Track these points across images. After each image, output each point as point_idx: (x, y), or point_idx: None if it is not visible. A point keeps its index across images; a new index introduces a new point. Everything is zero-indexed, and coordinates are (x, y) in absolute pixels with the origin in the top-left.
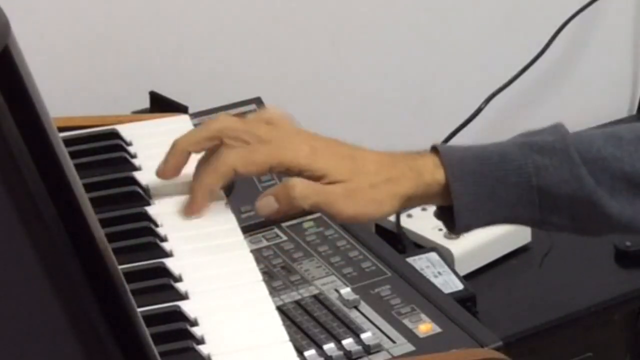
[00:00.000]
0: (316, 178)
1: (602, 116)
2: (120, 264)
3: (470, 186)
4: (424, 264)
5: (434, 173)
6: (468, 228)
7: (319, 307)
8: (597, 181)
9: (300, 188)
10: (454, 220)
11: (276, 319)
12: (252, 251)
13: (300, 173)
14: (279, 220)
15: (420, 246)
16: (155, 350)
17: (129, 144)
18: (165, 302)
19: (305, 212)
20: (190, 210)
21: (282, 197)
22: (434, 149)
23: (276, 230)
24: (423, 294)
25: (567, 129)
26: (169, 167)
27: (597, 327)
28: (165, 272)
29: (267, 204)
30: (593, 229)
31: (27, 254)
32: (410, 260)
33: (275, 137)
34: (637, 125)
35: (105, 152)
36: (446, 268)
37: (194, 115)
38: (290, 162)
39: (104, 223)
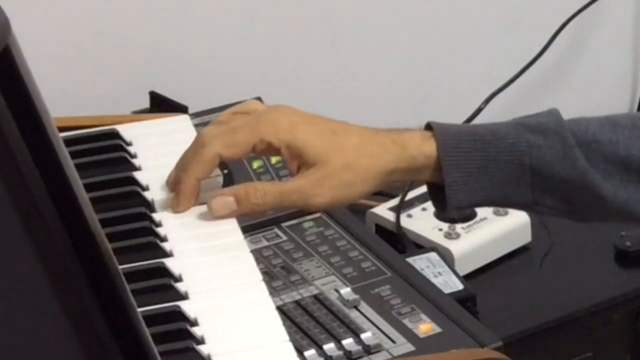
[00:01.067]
0: (293, 155)
1: None
2: (120, 264)
3: (462, 161)
4: (424, 264)
5: (420, 146)
6: (459, 206)
7: (319, 307)
8: (591, 164)
9: (262, 192)
10: (445, 197)
11: (276, 319)
12: (252, 251)
13: (280, 148)
14: (279, 219)
15: (420, 246)
16: (155, 350)
17: (129, 144)
18: (165, 302)
19: (304, 212)
20: (179, 204)
21: (242, 199)
22: (427, 127)
23: (276, 230)
24: (423, 294)
25: (561, 114)
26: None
27: (597, 327)
28: (165, 272)
29: (224, 204)
30: (586, 212)
31: (27, 254)
32: (410, 260)
33: (253, 119)
34: (633, 113)
35: (105, 152)
36: (446, 268)
37: (194, 115)
38: (271, 136)
39: (104, 223)
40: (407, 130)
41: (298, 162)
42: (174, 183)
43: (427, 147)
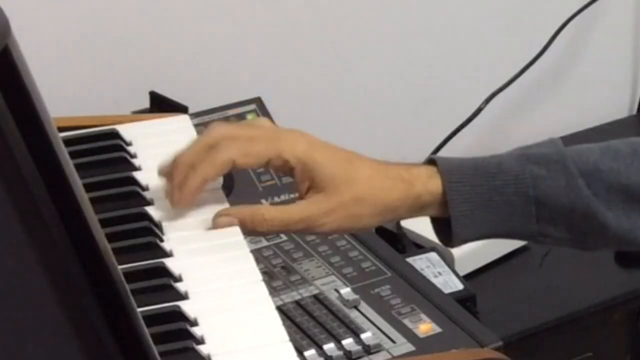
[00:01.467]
0: (306, 177)
1: (602, 116)
2: (120, 264)
3: (467, 195)
4: (424, 264)
5: (426, 184)
6: (465, 239)
7: (319, 307)
8: (594, 193)
9: (269, 221)
10: (451, 231)
11: (276, 319)
12: (252, 251)
13: (295, 168)
14: None
15: (420, 246)
16: (155, 350)
17: (129, 144)
18: (165, 302)
19: None
20: (180, 199)
21: (247, 225)
22: (431, 161)
23: None
24: (423, 294)
25: (562, 143)
26: (175, 186)
27: (597, 327)
28: (165, 272)
29: (228, 224)
30: (590, 241)
31: (27, 254)
32: (410, 260)
33: (271, 133)
34: (633, 139)
35: (105, 152)
36: (446, 268)
37: (194, 115)
38: (288, 154)
39: (104, 223)
40: (414, 166)
41: (309, 183)
42: (179, 181)
43: (432, 185)
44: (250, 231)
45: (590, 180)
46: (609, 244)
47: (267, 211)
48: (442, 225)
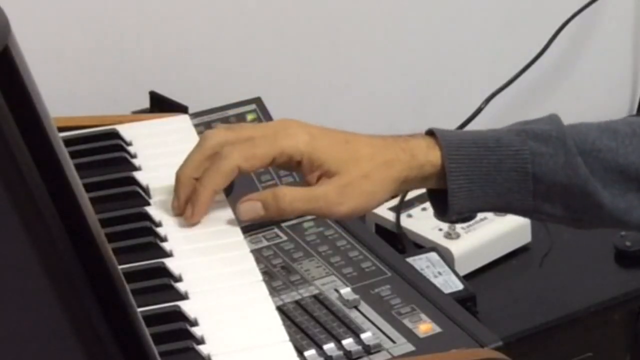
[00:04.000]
0: (313, 167)
1: (602, 116)
2: (120, 264)
3: (465, 168)
4: (424, 264)
5: (427, 154)
6: (460, 211)
7: (319, 307)
8: (591, 172)
9: (290, 199)
10: (447, 203)
11: (276, 319)
12: (252, 251)
13: (301, 161)
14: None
15: (420, 246)
16: (155, 350)
17: (129, 144)
18: (165, 302)
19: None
20: (194, 214)
21: (270, 205)
22: (430, 133)
23: (276, 230)
24: (423, 294)
25: (562, 120)
26: (183, 202)
27: (597, 327)
28: (165, 272)
29: (251, 209)
30: (585, 219)
31: (27, 254)
32: (410, 260)
33: (270, 131)
34: (633, 119)
35: (105, 152)
36: (446, 268)
37: (194, 115)
38: (292, 150)
39: (104, 223)
40: (412, 137)
41: (319, 172)
42: (186, 193)
43: (433, 155)
44: (274, 212)
45: (588, 159)
46: (604, 223)
47: (287, 190)
48: (437, 197)
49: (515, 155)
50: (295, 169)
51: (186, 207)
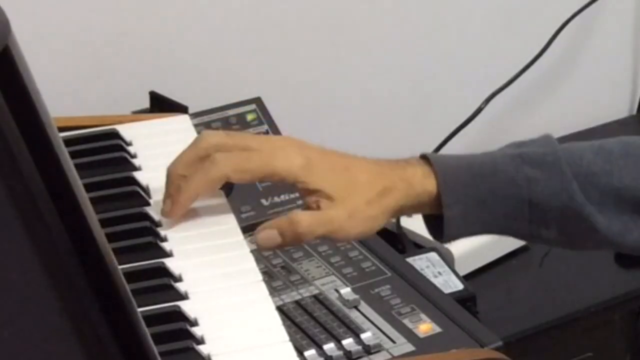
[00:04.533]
0: (310, 192)
1: (602, 116)
2: (120, 264)
3: (461, 196)
4: (424, 264)
5: (423, 183)
6: (455, 237)
7: (319, 307)
8: (586, 196)
9: (307, 224)
10: (442, 228)
11: (276, 319)
12: (252, 251)
13: (294, 184)
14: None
15: (420, 246)
16: (155, 350)
17: (129, 144)
18: (165, 302)
19: None
20: (171, 211)
21: (287, 232)
22: (424, 157)
23: None
24: (423, 294)
25: (556, 141)
26: (167, 199)
27: (597, 327)
28: (165, 272)
29: (270, 237)
30: (581, 243)
31: (27, 254)
32: (410, 260)
33: (267, 147)
34: (625, 139)
35: (105, 152)
36: (446, 268)
37: (194, 115)
38: (285, 173)
39: (104, 223)
40: (408, 164)
41: (316, 196)
42: (173, 189)
43: (428, 184)
44: (291, 239)
45: (583, 183)
46: (598, 245)
47: (302, 215)
48: (433, 221)
49: (510, 182)
50: (288, 185)
51: (166, 202)
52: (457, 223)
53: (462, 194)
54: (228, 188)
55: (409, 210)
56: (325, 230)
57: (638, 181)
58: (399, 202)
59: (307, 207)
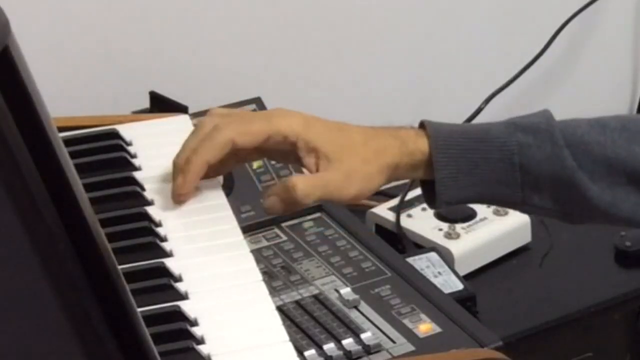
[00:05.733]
0: (309, 149)
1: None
2: (120, 264)
3: (452, 159)
4: (424, 264)
5: (416, 142)
6: (448, 202)
7: (319, 307)
8: (579, 164)
9: (302, 187)
10: (435, 193)
11: (276, 319)
12: (252, 251)
13: (295, 142)
14: (279, 219)
15: (420, 246)
16: (155, 350)
17: (129, 144)
18: (165, 302)
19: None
20: (185, 183)
21: (284, 198)
22: (421, 125)
23: (276, 230)
24: (423, 294)
25: (554, 115)
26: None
27: (597, 327)
28: (165, 272)
29: (272, 205)
30: (573, 213)
31: (27, 254)
32: (410, 260)
33: (266, 113)
34: (624, 115)
35: (105, 152)
36: (446, 268)
37: (194, 115)
38: (287, 129)
39: (104, 223)
40: (401, 127)
41: (315, 156)
42: (182, 163)
43: (421, 143)
44: (290, 204)
45: (576, 152)
46: (592, 216)
47: (297, 179)
48: (428, 188)
49: (502, 147)
50: (289, 155)
51: (177, 177)
52: (448, 184)
53: (454, 155)
54: (228, 188)
55: (404, 170)
56: (322, 193)
57: (632, 154)
58: (394, 159)
59: (308, 168)
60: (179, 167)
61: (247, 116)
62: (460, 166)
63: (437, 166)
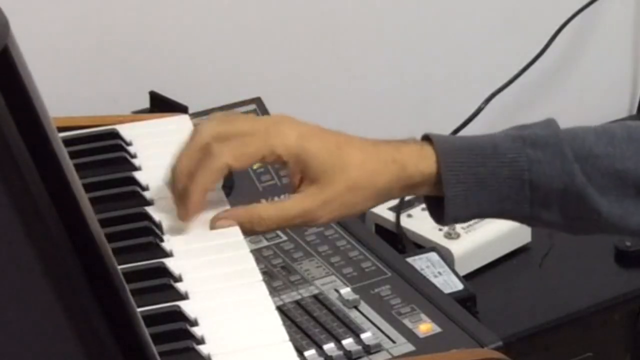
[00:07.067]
0: (298, 170)
1: (602, 116)
2: (120, 264)
3: (462, 176)
4: (424, 264)
5: (418, 164)
6: (456, 219)
7: (319, 307)
8: (588, 178)
9: (266, 223)
10: (443, 210)
11: (276, 319)
12: (252, 251)
13: (288, 162)
14: None
15: (420, 246)
16: (155, 350)
17: (129, 144)
18: (165, 302)
19: None
20: (187, 212)
21: (246, 226)
22: (426, 138)
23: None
24: (423, 294)
25: (559, 125)
26: (177, 199)
27: (597, 327)
28: (165, 272)
29: (224, 227)
30: (582, 226)
31: (27, 253)
32: (410, 260)
33: (261, 128)
34: (629, 123)
35: (105, 152)
36: (446, 268)
37: (194, 115)
38: (281, 149)
39: (104, 223)
40: (405, 144)
41: (301, 175)
42: (180, 193)
43: (424, 165)
44: (249, 231)
45: (585, 166)
46: (600, 229)
47: (263, 210)
48: (434, 203)
49: (511, 163)
50: (284, 166)
51: (180, 209)
52: (458, 203)
53: (463, 173)
54: (228, 188)
55: (401, 192)
56: (285, 226)
57: None
58: (386, 185)
59: (292, 188)
60: (178, 196)
61: (243, 133)
62: (469, 184)
63: (447, 185)
